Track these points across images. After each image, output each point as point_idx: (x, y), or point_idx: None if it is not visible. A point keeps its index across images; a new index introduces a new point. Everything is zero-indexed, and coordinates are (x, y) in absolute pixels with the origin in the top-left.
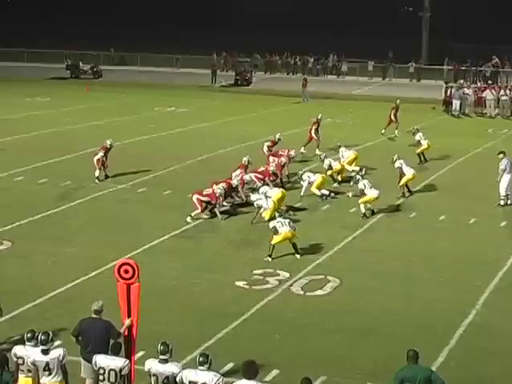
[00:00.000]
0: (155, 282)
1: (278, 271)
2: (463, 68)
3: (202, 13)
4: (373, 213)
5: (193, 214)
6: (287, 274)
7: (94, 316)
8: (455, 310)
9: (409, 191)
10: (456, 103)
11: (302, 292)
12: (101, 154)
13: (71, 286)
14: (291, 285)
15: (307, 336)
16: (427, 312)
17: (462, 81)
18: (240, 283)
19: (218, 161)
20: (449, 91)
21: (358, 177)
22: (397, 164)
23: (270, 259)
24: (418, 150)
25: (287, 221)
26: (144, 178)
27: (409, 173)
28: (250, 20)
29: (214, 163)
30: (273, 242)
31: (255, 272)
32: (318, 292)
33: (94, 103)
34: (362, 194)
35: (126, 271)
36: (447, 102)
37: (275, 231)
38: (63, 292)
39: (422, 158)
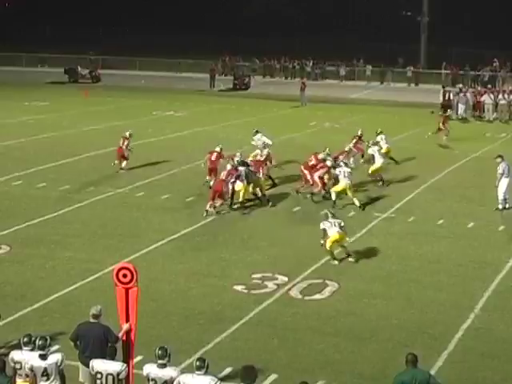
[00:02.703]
0: (154, 286)
1: (277, 275)
2: (461, 72)
3: (200, 17)
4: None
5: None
6: (286, 278)
7: (93, 320)
8: (454, 314)
9: (381, 180)
10: (461, 107)
11: (300, 296)
12: (122, 143)
13: (69, 291)
14: (290, 289)
15: (306, 340)
16: (426, 316)
17: (461, 85)
18: (238, 287)
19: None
20: (447, 95)
21: (341, 163)
22: (370, 150)
23: (337, 262)
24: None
25: (337, 221)
26: (142, 182)
27: (378, 162)
28: (249, 24)
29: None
30: (328, 248)
31: (254, 276)
32: (317, 296)
33: (93, 107)
34: (336, 180)
35: (125, 275)
36: (445, 106)
37: (324, 233)
38: (61, 296)
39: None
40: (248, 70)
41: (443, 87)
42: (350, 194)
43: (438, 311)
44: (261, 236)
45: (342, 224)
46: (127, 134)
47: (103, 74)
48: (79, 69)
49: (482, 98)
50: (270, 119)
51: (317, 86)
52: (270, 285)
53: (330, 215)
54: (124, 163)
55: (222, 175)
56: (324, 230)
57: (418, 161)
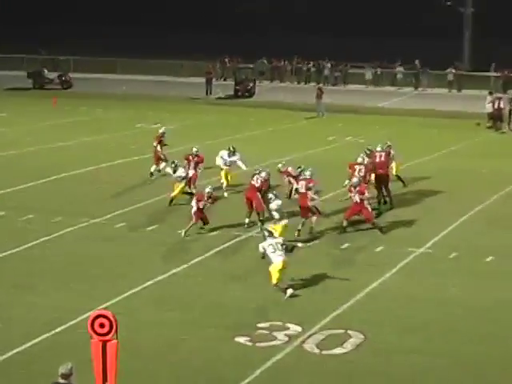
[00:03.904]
0: (137, 338)
1: (288, 324)
2: None
3: (195, 12)
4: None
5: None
6: (299, 328)
7: (62, 381)
8: (509, 376)
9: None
10: None
11: (317, 350)
12: (156, 145)
13: (33, 344)
14: (304, 341)
15: None
16: (473, 377)
17: None
18: (241, 339)
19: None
20: (496, 103)
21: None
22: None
23: (290, 292)
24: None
25: (278, 242)
26: (123, 211)
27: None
28: (253, 20)
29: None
30: (275, 281)
31: (260, 325)
32: (337, 350)
33: (63, 119)
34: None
35: (102, 325)
36: (495, 117)
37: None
38: (22, 352)
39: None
40: (253, 74)
41: (491, 93)
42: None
43: (488, 371)
44: (267, 274)
45: (283, 243)
46: (160, 131)
47: (75, 79)
48: (46, 72)
49: None
50: (279, 133)
51: (337, 93)
52: (280, 336)
53: (267, 234)
54: (162, 165)
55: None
56: (264, 253)
57: (461, 183)
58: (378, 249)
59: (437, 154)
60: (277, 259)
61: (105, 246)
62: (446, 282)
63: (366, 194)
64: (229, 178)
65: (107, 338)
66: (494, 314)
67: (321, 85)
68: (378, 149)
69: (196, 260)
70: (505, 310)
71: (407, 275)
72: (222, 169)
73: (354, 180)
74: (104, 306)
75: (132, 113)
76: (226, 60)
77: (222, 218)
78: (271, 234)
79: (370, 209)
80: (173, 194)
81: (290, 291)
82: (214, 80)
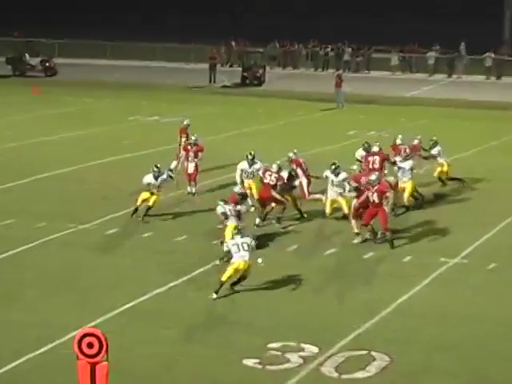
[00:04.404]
0: (129, 359)
1: (303, 345)
2: None
3: None
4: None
5: None
6: (315, 349)
7: None
8: None
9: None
10: None
11: (336, 374)
12: (181, 139)
13: (13, 367)
14: (321, 364)
15: None
16: None
17: None
18: (250, 361)
19: (214, 194)
20: None
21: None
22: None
23: (214, 296)
24: (436, 173)
25: (246, 242)
26: (115, 215)
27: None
28: None
29: (209, 196)
30: (224, 279)
31: (271, 346)
32: (359, 374)
33: (46, 111)
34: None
35: (90, 345)
36: None
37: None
38: (2, 374)
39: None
40: (263, 59)
41: None
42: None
43: None
44: (278, 286)
45: (252, 243)
46: (184, 123)
47: (60, 65)
48: (27, 57)
49: None
50: (291, 127)
51: (358, 81)
52: (294, 358)
53: (236, 233)
54: (173, 164)
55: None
56: (228, 252)
57: (500, 185)
58: (406, 259)
59: (474, 150)
60: (236, 256)
61: (94, 255)
62: (482, 297)
63: (388, 194)
64: (254, 190)
65: (96, 359)
66: None
67: (340, 71)
68: (399, 141)
69: (198, 271)
70: None
71: (438, 289)
72: (242, 182)
73: (373, 177)
74: (93, 323)
75: (124, 103)
76: (233, 43)
77: None
78: (239, 232)
79: (387, 212)
80: (138, 203)
81: (214, 296)
82: (218, 66)
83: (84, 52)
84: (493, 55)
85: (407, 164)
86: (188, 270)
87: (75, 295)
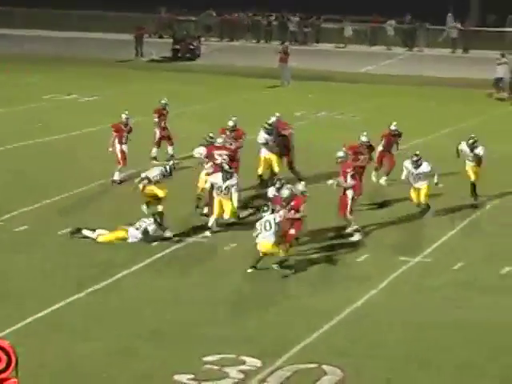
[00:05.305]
0: (43, 374)
1: (243, 357)
2: None
3: None
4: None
5: None
6: (258, 362)
7: None
8: None
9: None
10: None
11: None
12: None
13: None
14: (264, 380)
15: None
16: None
17: None
18: (182, 377)
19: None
20: None
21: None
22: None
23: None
24: (473, 178)
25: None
26: (24, 210)
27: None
28: None
29: (129, 188)
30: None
31: (206, 359)
32: None
33: None
34: None
35: None
36: None
37: None
38: None
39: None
40: (197, 29)
41: (503, 55)
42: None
43: None
44: (211, 290)
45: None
46: (162, 101)
47: None
48: None
49: None
50: (231, 107)
51: (307, 54)
52: (233, 373)
53: (265, 210)
54: (170, 148)
55: None
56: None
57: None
58: (362, 258)
59: (435, 135)
60: (259, 237)
61: (2, 257)
62: (449, 302)
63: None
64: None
65: (3, 375)
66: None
67: (286, 44)
68: (364, 139)
69: (122, 274)
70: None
71: (397, 292)
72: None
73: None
74: (2, 334)
75: (37, 80)
76: (162, 10)
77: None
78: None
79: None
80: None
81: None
82: (145, 37)
83: None
84: (459, 25)
85: (424, 168)
86: (112, 273)
87: None
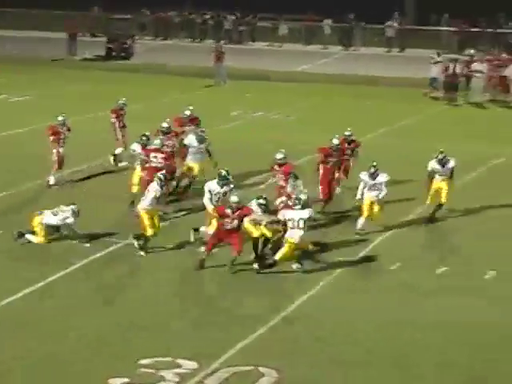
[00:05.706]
0: None
1: (180, 360)
2: (475, 30)
3: None
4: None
5: None
6: (194, 365)
7: None
8: None
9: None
10: (475, 85)
11: None
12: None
13: None
14: (201, 382)
15: None
16: None
17: (472, 50)
18: (117, 381)
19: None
20: (451, 67)
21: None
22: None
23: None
24: (444, 199)
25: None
26: None
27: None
28: None
29: (66, 189)
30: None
31: (142, 362)
32: None
33: None
34: None
35: None
36: (448, 85)
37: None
38: None
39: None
40: (131, 28)
41: (439, 54)
42: None
43: None
44: (146, 291)
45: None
46: (120, 102)
47: None
48: None
49: (508, 72)
50: (165, 107)
51: (242, 53)
52: (169, 376)
53: (296, 204)
54: (118, 150)
55: None
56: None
57: (406, 172)
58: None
59: (373, 134)
60: (290, 233)
61: None
62: (388, 303)
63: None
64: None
65: None
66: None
67: (221, 43)
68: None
69: (57, 275)
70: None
71: (332, 294)
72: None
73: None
74: None
75: None
76: (95, 8)
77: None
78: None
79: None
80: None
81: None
82: (79, 36)
83: None
84: (395, 24)
85: (380, 178)
86: (46, 272)
87: None
